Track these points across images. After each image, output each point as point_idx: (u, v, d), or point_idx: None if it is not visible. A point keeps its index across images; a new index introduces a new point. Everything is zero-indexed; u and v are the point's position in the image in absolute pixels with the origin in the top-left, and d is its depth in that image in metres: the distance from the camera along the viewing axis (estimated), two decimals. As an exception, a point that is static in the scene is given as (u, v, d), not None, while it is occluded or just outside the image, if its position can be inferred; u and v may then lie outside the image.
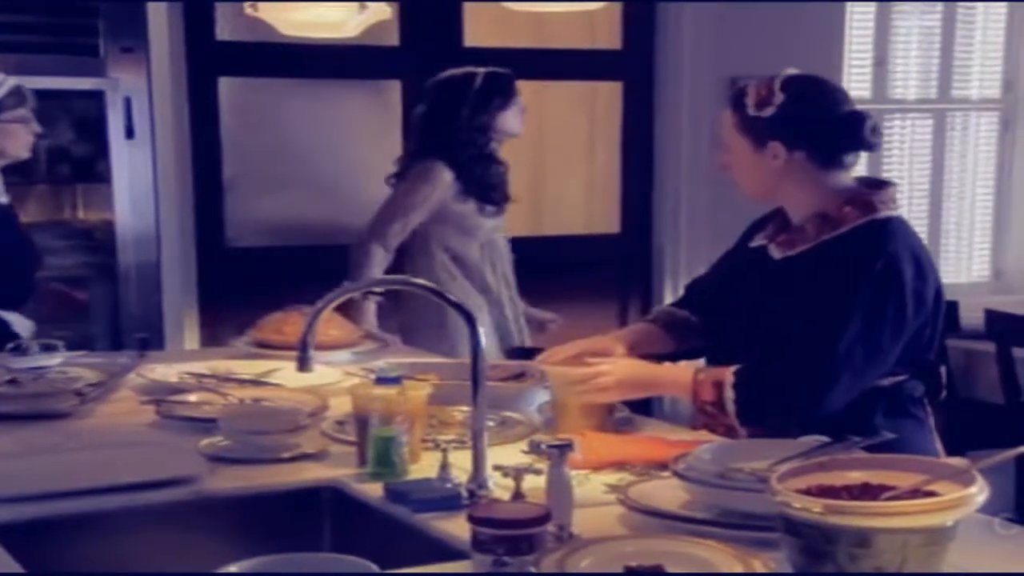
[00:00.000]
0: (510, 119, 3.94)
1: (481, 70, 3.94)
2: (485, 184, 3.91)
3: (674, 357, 2.55)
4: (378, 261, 3.87)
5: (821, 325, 2.20)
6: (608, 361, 2.34)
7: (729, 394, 2.21)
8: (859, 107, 2.35)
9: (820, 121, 2.30)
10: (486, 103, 3.89)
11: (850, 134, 2.31)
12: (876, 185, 2.36)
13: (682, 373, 2.33)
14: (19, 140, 3.41)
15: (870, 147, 2.34)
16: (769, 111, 2.29)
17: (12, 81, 3.37)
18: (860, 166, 5.06)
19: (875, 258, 2.20)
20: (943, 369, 2.43)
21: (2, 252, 3.43)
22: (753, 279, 2.38)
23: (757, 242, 2.43)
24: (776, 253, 2.34)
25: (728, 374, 2.24)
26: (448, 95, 3.93)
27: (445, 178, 3.87)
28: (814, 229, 2.30)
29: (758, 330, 2.30)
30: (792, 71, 2.34)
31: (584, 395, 2.30)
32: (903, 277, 2.21)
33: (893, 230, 2.27)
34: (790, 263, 2.31)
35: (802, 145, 2.29)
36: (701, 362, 2.44)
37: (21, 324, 3.41)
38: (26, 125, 3.39)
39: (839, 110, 2.31)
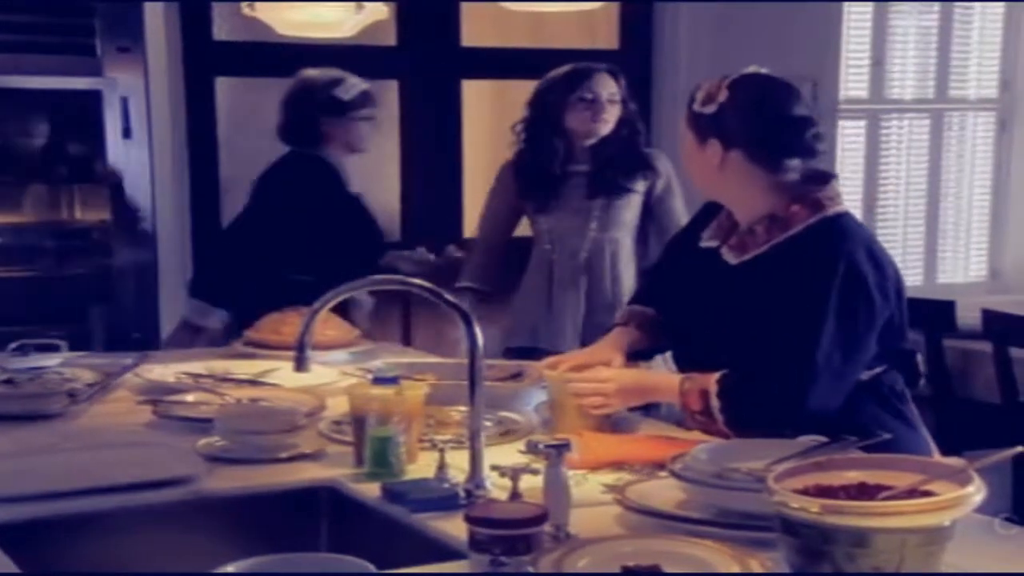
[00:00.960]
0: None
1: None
2: None
3: (647, 355, 2.58)
4: None
5: (797, 333, 2.18)
6: (608, 370, 2.37)
7: (715, 403, 2.22)
8: (806, 113, 2.32)
9: (757, 123, 2.27)
10: None
11: (787, 139, 2.28)
12: (819, 179, 2.32)
13: (670, 383, 2.33)
14: (364, 136, 3.88)
15: (811, 154, 2.30)
16: (710, 108, 2.28)
17: (363, 84, 3.80)
18: (859, 165, 5.08)
19: (836, 259, 2.20)
20: (919, 357, 2.42)
21: (352, 239, 3.77)
22: (709, 283, 2.37)
23: (707, 242, 2.41)
24: (731, 258, 2.33)
25: (712, 383, 2.24)
26: None
27: None
28: (764, 231, 2.29)
29: (720, 335, 2.30)
30: (751, 69, 2.33)
31: (584, 403, 2.32)
32: (865, 275, 2.21)
33: (845, 227, 2.26)
34: (746, 267, 2.30)
35: (738, 145, 2.28)
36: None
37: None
38: (370, 123, 3.89)
39: (781, 113, 2.28)
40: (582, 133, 3.69)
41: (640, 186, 3.75)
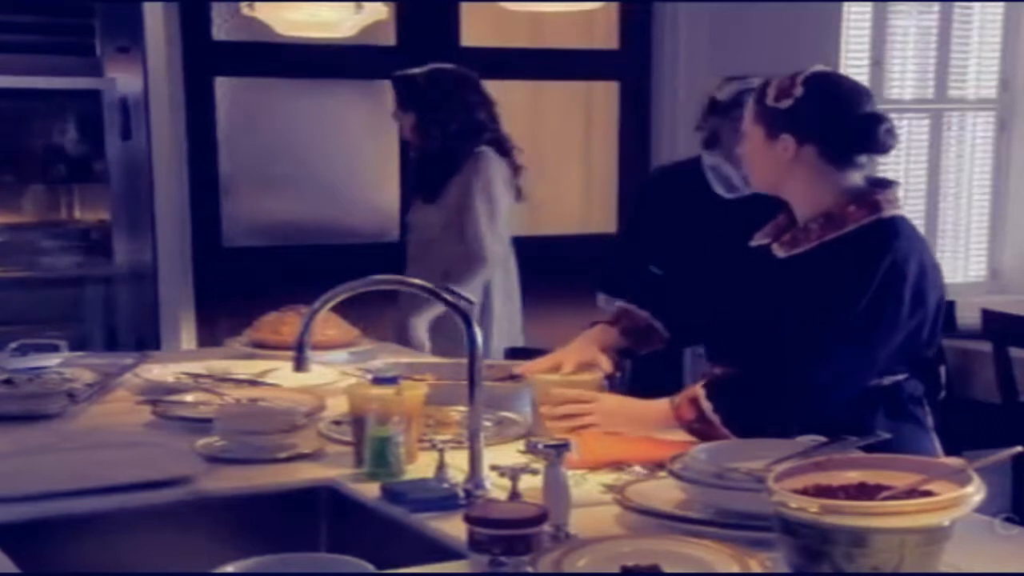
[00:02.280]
0: None
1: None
2: None
3: (637, 359, 2.58)
4: None
5: (812, 322, 2.20)
6: (593, 397, 2.34)
7: (706, 405, 2.22)
8: (877, 110, 2.36)
9: (834, 118, 2.31)
10: None
11: (863, 135, 2.31)
12: (881, 184, 2.36)
13: (660, 406, 2.32)
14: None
15: (883, 149, 2.34)
16: (786, 103, 2.30)
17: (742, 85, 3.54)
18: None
19: (882, 256, 2.21)
20: (942, 369, 2.43)
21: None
22: (755, 278, 2.38)
23: (759, 240, 2.43)
24: (780, 252, 2.35)
25: (698, 388, 2.26)
26: None
27: None
28: (818, 228, 2.31)
29: (760, 328, 2.31)
30: (820, 67, 2.37)
31: (566, 424, 2.30)
32: (907, 275, 2.22)
33: (899, 229, 2.28)
34: (793, 262, 2.32)
35: (813, 140, 2.30)
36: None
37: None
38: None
39: (856, 110, 2.32)
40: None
41: (451, 189, 3.76)
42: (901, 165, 5.35)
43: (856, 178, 2.33)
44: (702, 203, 3.44)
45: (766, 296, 2.33)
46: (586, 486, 2.02)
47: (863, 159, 2.33)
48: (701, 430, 2.23)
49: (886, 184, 2.36)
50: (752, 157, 2.39)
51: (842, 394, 2.22)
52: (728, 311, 2.42)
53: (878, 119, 2.32)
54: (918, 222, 5.32)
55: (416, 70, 3.82)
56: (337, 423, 2.40)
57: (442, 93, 3.76)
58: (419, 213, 3.88)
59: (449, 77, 3.82)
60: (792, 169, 2.32)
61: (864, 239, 2.25)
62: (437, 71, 3.82)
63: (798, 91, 2.30)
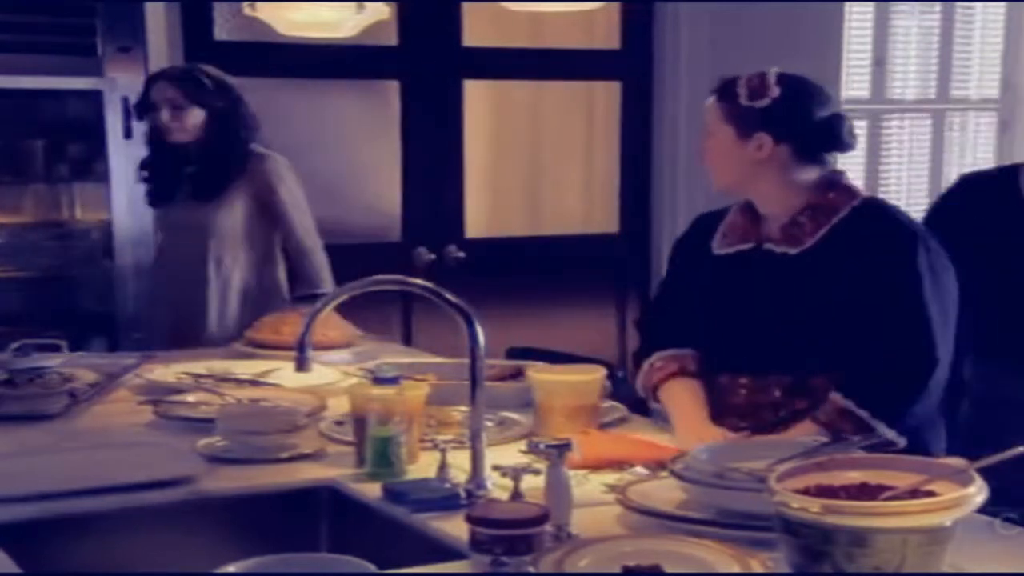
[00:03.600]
0: None
1: None
2: None
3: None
4: None
5: (901, 300, 2.24)
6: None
7: (862, 413, 2.20)
8: (840, 110, 2.42)
9: (809, 118, 2.35)
10: None
11: (833, 134, 2.37)
12: (836, 173, 2.42)
13: (804, 427, 2.25)
14: None
15: (847, 148, 2.41)
16: (762, 103, 2.33)
17: None
18: (860, 165, 5.08)
19: (906, 228, 2.31)
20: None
21: None
22: (755, 282, 2.37)
23: (728, 248, 2.42)
24: (790, 250, 2.34)
25: (835, 400, 2.22)
26: None
27: None
28: (810, 220, 2.33)
29: (781, 327, 2.32)
30: (777, 69, 2.38)
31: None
32: (930, 240, 2.31)
33: (889, 206, 2.40)
34: (807, 256, 2.33)
35: (789, 139, 2.33)
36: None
37: None
38: None
39: (827, 110, 2.37)
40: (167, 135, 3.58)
41: (243, 188, 3.60)
42: (903, 165, 5.35)
43: (814, 174, 2.37)
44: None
45: (780, 295, 2.33)
46: (588, 486, 2.02)
47: (830, 157, 2.40)
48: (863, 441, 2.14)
49: (839, 172, 2.42)
50: (717, 156, 2.40)
51: (957, 360, 2.31)
52: (732, 321, 2.40)
53: (843, 119, 2.39)
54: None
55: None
56: (339, 423, 2.40)
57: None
58: None
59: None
60: (761, 168, 2.35)
61: (873, 219, 2.32)
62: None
63: (773, 91, 2.33)
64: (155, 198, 3.70)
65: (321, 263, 3.68)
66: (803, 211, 2.34)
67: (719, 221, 2.48)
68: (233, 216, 3.58)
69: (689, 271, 2.51)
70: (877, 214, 2.34)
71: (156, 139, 3.61)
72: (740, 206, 2.45)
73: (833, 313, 2.27)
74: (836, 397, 2.22)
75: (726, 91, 2.37)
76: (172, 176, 3.62)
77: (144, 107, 3.59)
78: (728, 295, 2.41)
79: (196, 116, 3.53)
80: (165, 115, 3.51)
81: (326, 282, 3.63)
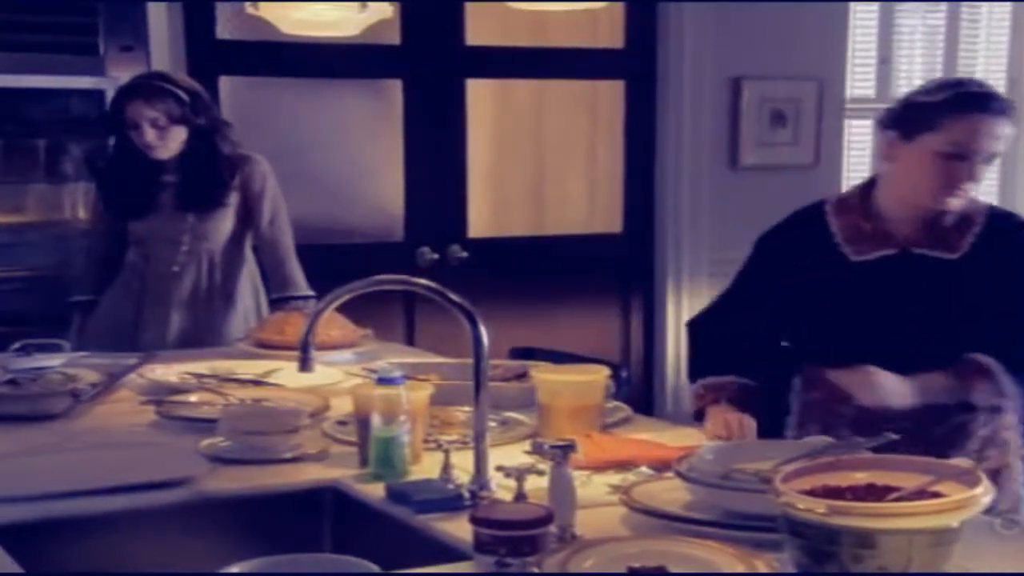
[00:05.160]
0: None
1: None
2: None
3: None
4: None
5: None
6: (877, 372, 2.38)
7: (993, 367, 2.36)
8: None
9: None
10: None
11: None
12: None
13: (938, 379, 2.41)
14: None
15: None
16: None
17: None
18: (866, 164, 5.06)
19: None
20: None
21: None
22: (917, 286, 2.43)
23: (876, 253, 2.45)
24: (947, 255, 2.43)
25: (986, 361, 2.37)
26: None
27: None
28: (952, 222, 2.43)
29: (946, 327, 2.40)
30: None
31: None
32: None
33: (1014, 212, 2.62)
34: (967, 260, 2.42)
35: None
36: None
37: None
38: None
39: None
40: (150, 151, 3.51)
41: (232, 196, 3.58)
42: (907, 164, 5.34)
43: None
44: None
45: (945, 298, 2.41)
46: (592, 487, 2.01)
47: None
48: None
49: None
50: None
51: None
52: (885, 320, 2.44)
53: None
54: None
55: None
56: (342, 423, 2.40)
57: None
58: None
59: None
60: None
61: (1014, 222, 2.51)
62: None
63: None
64: (130, 211, 3.59)
65: (298, 266, 3.67)
66: (939, 214, 2.41)
67: (811, 225, 2.52)
68: (225, 221, 3.58)
69: (804, 277, 2.52)
70: (1008, 215, 2.52)
71: (129, 154, 3.51)
72: (836, 208, 2.52)
73: (990, 314, 2.39)
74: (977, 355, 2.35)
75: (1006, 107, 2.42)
76: (152, 187, 3.55)
77: (115, 123, 3.51)
78: (879, 300, 2.45)
79: (180, 134, 3.49)
80: (150, 135, 3.44)
81: (303, 286, 3.63)
